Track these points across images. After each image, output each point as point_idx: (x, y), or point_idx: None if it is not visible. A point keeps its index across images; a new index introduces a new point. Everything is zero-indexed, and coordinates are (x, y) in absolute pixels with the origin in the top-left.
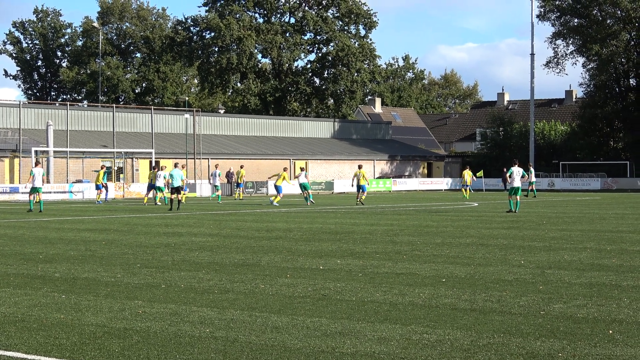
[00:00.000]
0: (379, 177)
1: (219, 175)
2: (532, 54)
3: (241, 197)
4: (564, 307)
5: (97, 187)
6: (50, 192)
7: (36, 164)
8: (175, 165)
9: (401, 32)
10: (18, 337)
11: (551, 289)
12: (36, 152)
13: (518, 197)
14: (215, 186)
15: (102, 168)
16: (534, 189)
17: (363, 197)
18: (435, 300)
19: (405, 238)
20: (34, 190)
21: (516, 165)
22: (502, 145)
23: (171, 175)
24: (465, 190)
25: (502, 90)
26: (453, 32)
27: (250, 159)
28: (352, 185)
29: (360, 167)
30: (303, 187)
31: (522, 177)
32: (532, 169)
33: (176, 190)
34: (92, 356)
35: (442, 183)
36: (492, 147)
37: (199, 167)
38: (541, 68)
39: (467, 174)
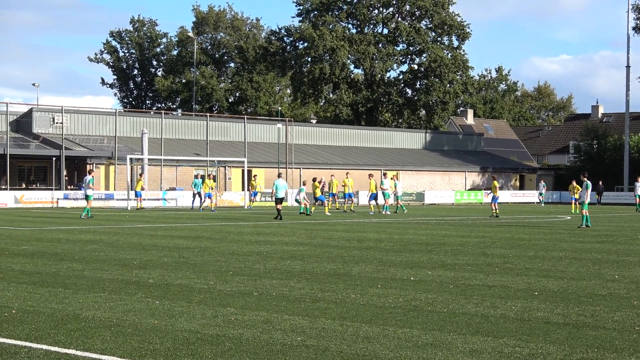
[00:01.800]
0: (470, 189)
1: (396, 186)
2: (628, 67)
3: (337, 207)
4: None
5: (208, 196)
6: (144, 199)
7: (88, 172)
8: (279, 176)
9: (494, 44)
10: (113, 341)
11: None
12: (131, 159)
13: (586, 211)
14: (398, 196)
15: (209, 177)
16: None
17: (494, 208)
18: (527, 314)
19: (497, 250)
20: (87, 197)
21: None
22: (596, 159)
23: (276, 187)
24: (575, 203)
25: (597, 102)
26: (547, 44)
27: (341, 169)
28: (487, 195)
29: (494, 178)
30: (385, 195)
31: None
32: None
33: (280, 200)
34: None
35: (534, 196)
36: (586, 161)
37: (291, 176)
38: (637, 80)
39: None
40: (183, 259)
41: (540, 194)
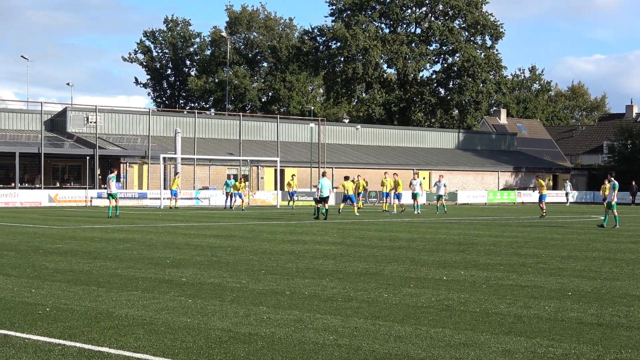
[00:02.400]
0: (503, 189)
1: (445, 186)
2: None
3: (360, 206)
4: None
5: (238, 195)
6: (178, 198)
7: (111, 171)
8: (324, 175)
9: (528, 43)
10: (146, 339)
11: None
12: (164, 158)
13: (615, 211)
14: (440, 196)
15: (240, 180)
16: None
17: (543, 207)
18: (560, 314)
19: (529, 250)
20: (109, 196)
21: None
22: (630, 159)
23: (321, 185)
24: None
25: (631, 102)
26: (580, 44)
27: (374, 168)
28: (534, 192)
29: (538, 177)
30: (415, 195)
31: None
32: None
33: (323, 200)
34: None
35: (568, 195)
36: (620, 161)
37: None
38: None
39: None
40: (216, 258)
41: (567, 193)
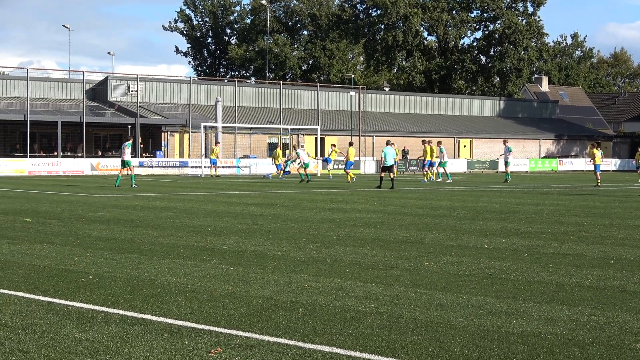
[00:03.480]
0: (545, 157)
1: (510, 151)
2: None
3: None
4: None
5: (278, 167)
6: (218, 167)
7: (127, 139)
8: (387, 143)
9: (570, 10)
10: (188, 307)
11: None
12: (205, 127)
13: None
14: (507, 162)
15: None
16: None
17: (598, 177)
18: (603, 282)
19: (571, 219)
20: (123, 163)
21: None
22: None
23: (385, 154)
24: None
25: None
26: (623, 10)
27: (414, 136)
28: (590, 162)
29: (593, 146)
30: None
31: None
32: None
33: (388, 168)
34: (259, 327)
35: (610, 164)
36: None
37: (364, 144)
38: None
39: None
40: (257, 226)
41: None
